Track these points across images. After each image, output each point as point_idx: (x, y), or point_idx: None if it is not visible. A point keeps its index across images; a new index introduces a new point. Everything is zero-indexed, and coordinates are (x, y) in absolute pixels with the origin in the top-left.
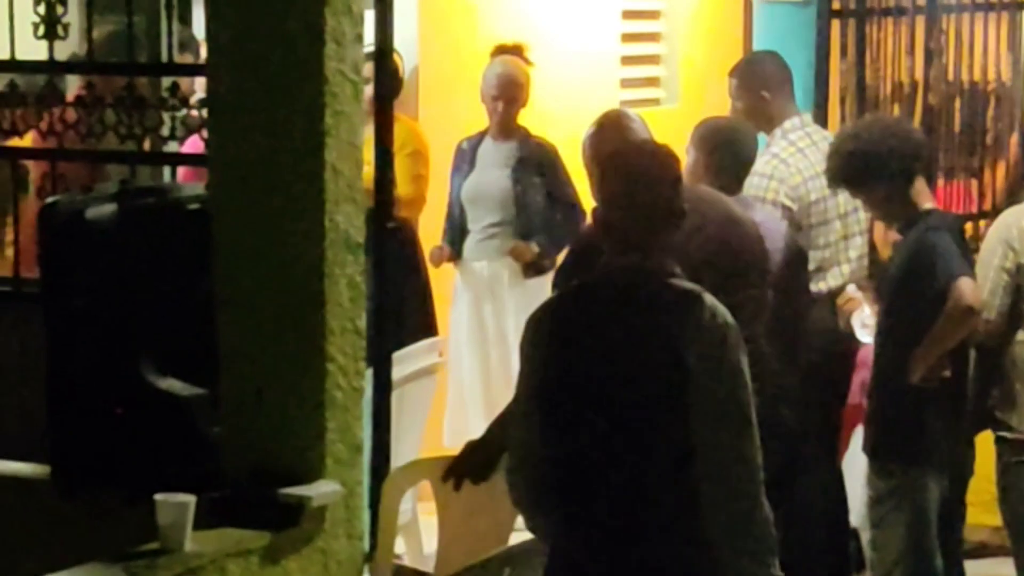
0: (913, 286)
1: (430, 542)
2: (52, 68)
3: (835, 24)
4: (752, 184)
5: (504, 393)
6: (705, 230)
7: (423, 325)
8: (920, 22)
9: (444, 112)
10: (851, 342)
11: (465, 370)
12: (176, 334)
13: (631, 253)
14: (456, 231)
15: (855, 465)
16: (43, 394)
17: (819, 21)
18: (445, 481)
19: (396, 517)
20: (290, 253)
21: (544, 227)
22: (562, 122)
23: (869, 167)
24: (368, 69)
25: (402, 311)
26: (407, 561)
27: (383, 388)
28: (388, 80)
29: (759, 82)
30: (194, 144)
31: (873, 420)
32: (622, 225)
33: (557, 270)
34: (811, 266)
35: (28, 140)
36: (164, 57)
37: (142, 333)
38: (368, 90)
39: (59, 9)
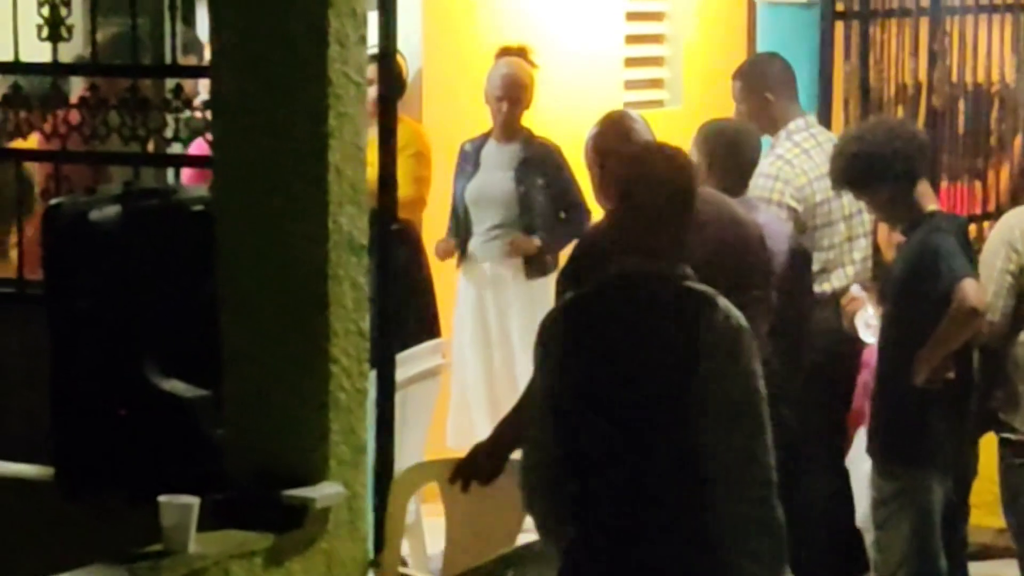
0: (917, 288)
1: (433, 543)
2: (56, 70)
3: (839, 26)
4: (757, 185)
5: (508, 394)
6: (707, 232)
7: (426, 327)
8: (924, 24)
9: (448, 114)
10: (855, 343)
11: (469, 371)
12: (180, 335)
13: (645, 256)
14: (461, 231)
15: (858, 466)
16: (47, 396)
17: (823, 23)
18: (453, 483)
19: (404, 520)
20: (293, 255)
21: (547, 227)
22: (566, 124)
23: (873, 169)
24: (372, 71)
25: (405, 313)
26: (411, 563)
27: (387, 390)
28: (392, 82)
29: (763, 84)
30: (199, 146)
31: (877, 422)
32: (636, 228)
33: (561, 271)
34: (815, 267)
35: (33, 142)
36: (168, 59)
37: (146, 334)
38: (372, 92)
39: (63, 11)
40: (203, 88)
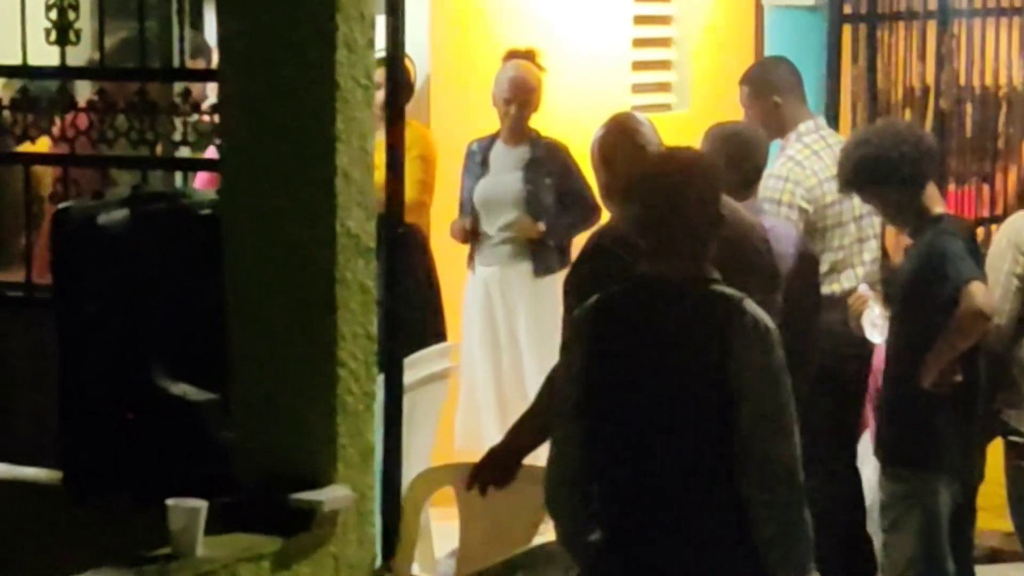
0: (924, 291)
1: (441, 547)
2: (64, 74)
3: (846, 29)
4: (768, 186)
5: (516, 396)
6: None
7: (433, 330)
8: (931, 27)
9: (456, 117)
10: (864, 345)
11: (478, 374)
12: (187, 339)
13: (672, 259)
14: (469, 228)
15: (860, 469)
16: (55, 399)
17: (830, 26)
18: (469, 488)
19: (418, 524)
20: (301, 258)
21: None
22: (573, 127)
23: (880, 172)
24: (379, 75)
25: (412, 316)
26: (419, 566)
27: (394, 393)
28: (399, 86)
29: (771, 88)
30: (214, 151)
31: (885, 425)
32: (663, 231)
33: (568, 273)
34: (824, 268)
35: (45, 145)
36: (176, 63)
37: (154, 338)
38: (379, 96)
39: (71, 15)
40: (211, 92)
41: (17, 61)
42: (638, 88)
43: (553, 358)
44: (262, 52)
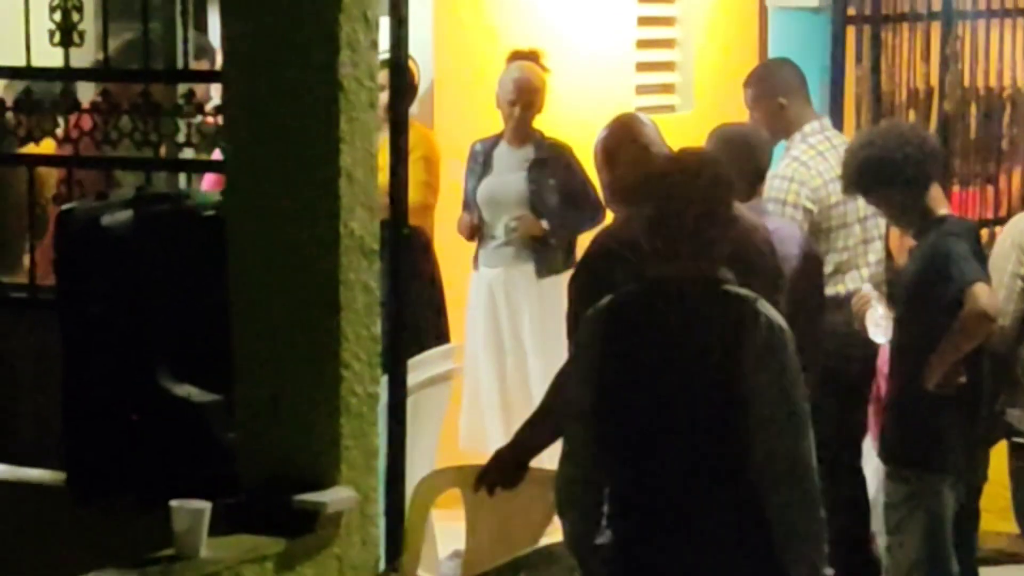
0: (928, 292)
1: (444, 547)
2: (68, 75)
3: (850, 30)
4: (773, 187)
5: (520, 397)
6: None
7: (437, 332)
8: (935, 28)
9: (460, 118)
10: (869, 346)
11: (481, 376)
12: (191, 340)
13: (685, 260)
14: (474, 224)
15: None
16: (59, 400)
17: (834, 27)
18: (477, 490)
19: (424, 526)
20: (305, 259)
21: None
22: (577, 128)
23: (884, 174)
24: (383, 76)
25: (416, 318)
26: (422, 566)
27: (398, 394)
28: (403, 87)
29: (775, 89)
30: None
31: (889, 426)
32: (677, 233)
33: (573, 275)
34: (829, 268)
35: (51, 147)
36: (180, 64)
37: (158, 339)
38: (383, 97)
39: (75, 16)
40: (215, 93)
41: (21, 62)
42: (642, 89)
43: (557, 359)
44: (266, 53)
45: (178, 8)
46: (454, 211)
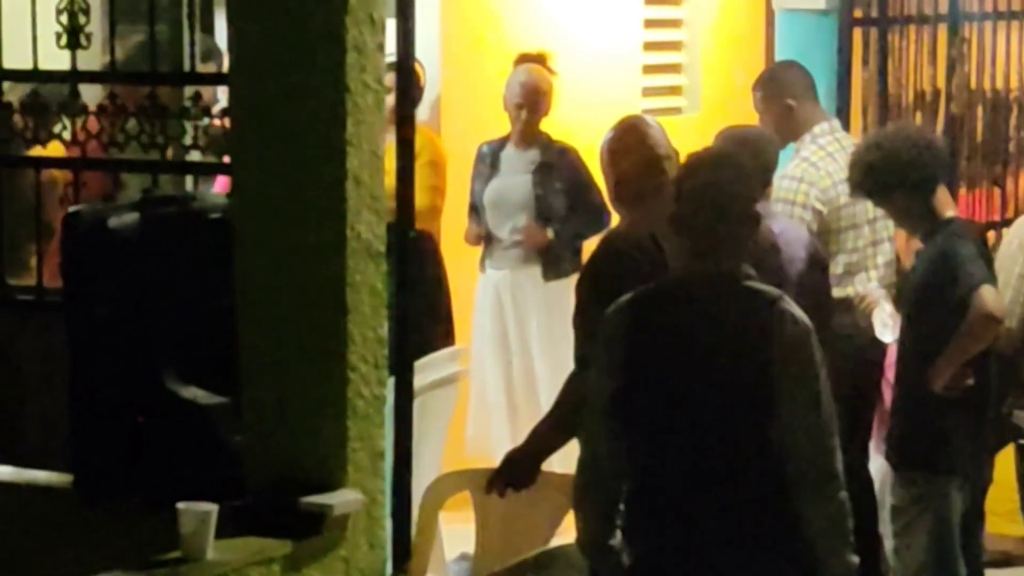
0: (935, 294)
1: (451, 550)
2: (74, 78)
3: (857, 33)
4: (782, 187)
5: (527, 400)
6: None
7: (443, 334)
8: (942, 30)
9: (466, 121)
10: (877, 348)
11: (488, 378)
12: (198, 342)
13: (711, 257)
14: (481, 229)
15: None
16: (66, 402)
17: (841, 30)
18: (490, 491)
19: (434, 529)
20: (312, 261)
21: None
22: (584, 130)
23: (891, 177)
24: (390, 78)
25: (423, 320)
26: (430, 570)
27: (405, 396)
28: (409, 89)
29: (783, 91)
30: None
31: (896, 429)
32: (705, 230)
33: (580, 276)
34: (839, 270)
35: (58, 150)
36: (187, 67)
37: (164, 342)
38: (389, 100)
39: (81, 19)
40: (222, 95)
41: (28, 65)
42: (648, 91)
43: (564, 362)
44: (272, 56)
45: (185, 11)
46: (461, 214)
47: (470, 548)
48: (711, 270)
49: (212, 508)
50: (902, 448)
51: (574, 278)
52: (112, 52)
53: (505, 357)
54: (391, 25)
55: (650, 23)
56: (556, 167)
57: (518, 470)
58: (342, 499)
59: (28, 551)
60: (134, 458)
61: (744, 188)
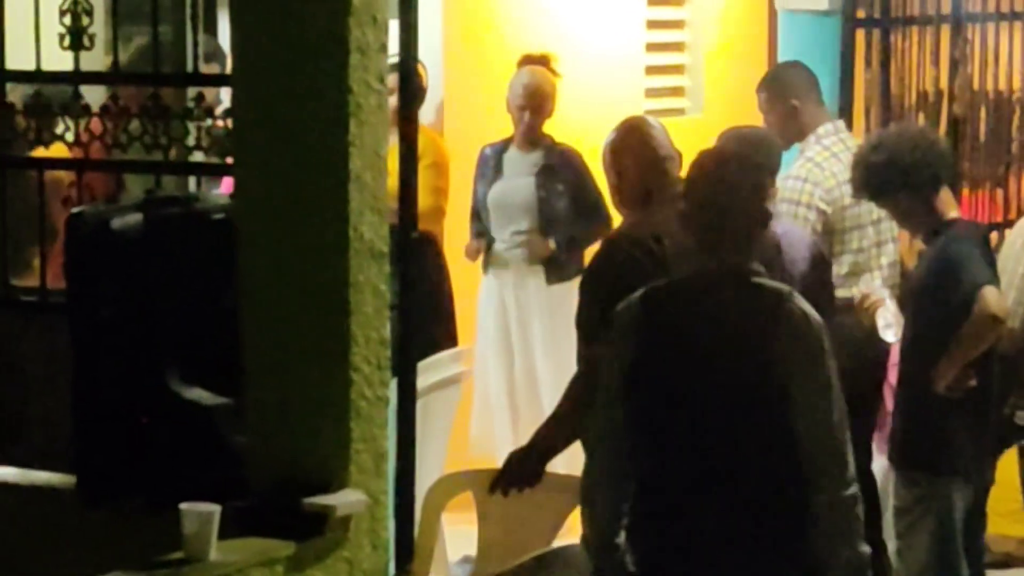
0: (938, 295)
1: (454, 552)
2: (78, 79)
3: (859, 33)
4: (787, 187)
5: (529, 401)
6: None
7: (446, 335)
8: (945, 31)
9: (469, 122)
10: (881, 348)
11: (491, 378)
12: (201, 343)
13: (721, 253)
14: (483, 228)
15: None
16: (69, 403)
17: (843, 30)
18: (493, 492)
19: (437, 530)
20: (315, 262)
21: (566, 233)
22: (587, 131)
23: (893, 178)
24: (392, 79)
25: (425, 321)
26: (433, 571)
27: (408, 397)
28: (412, 90)
29: (788, 91)
30: None
31: (899, 429)
32: (717, 226)
33: (584, 276)
34: (844, 270)
35: (61, 151)
36: (190, 67)
37: (167, 342)
38: (392, 101)
39: (84, 20)
40: (225, 96)
41: (31, 66)
42: (651, 92)
43: (567, 362)
44: (275, 57)
45: (188, 12)
46: (464, 215)
47: (473, 550)
48: (721, 267)
49: (215, 509)
50: (904, 449)
51: (577, 280)
52: (115, 53)
53: (507, 357)
54: (394, 26)
55: (652, 24)
56: (559, 170)
57: (521, 470)
58: (345, 500)
59: (31, 552)
60: (137, 459)
61: (754, 185)
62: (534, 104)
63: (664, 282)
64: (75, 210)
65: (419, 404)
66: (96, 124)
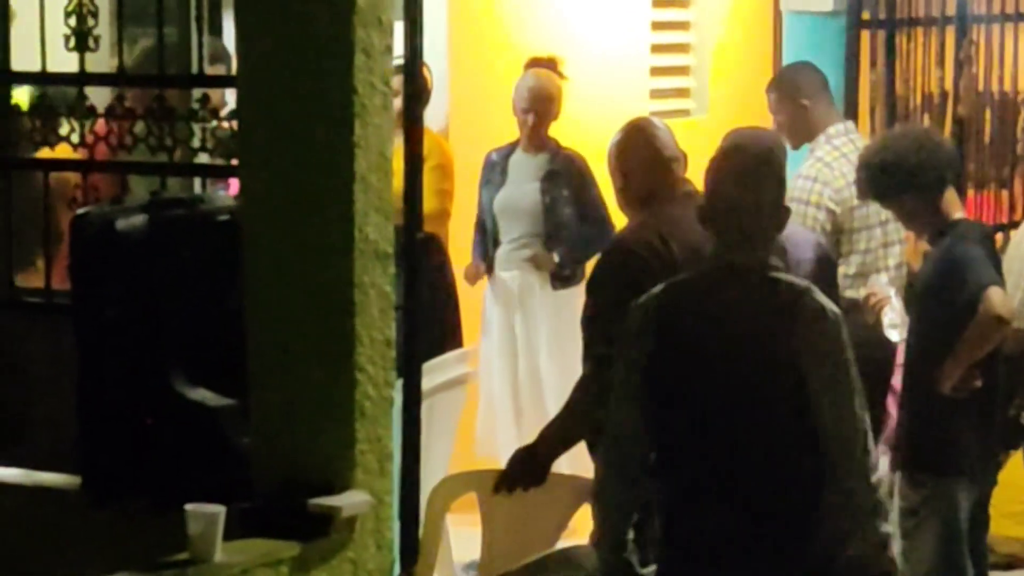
0: (943, 296)
1: (459, 553)
2: (82, 80)
3: (864, 35)
4: (796, 186)
5: (533, 403)
6: None
7: (451, 336)
8: (950, 32)
9: (474, 124)
10: (887, 349)
11: (495, 380)
12: (206, 344)
13: (741, 248)
14: (487, 243)
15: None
16: (74, 404)
17: (848, 31)
18: (498, 491)
19: (440, 530)
20: (320, 263)
21: (571, 239)
22: (592, 133)
23: (899, 179)
24: (397, 81)
25: (430, 321)
26: (437, 572)
27: (413, 398)
28: (417, 91)
29: (798, 91)
30: None
31: (904, 430)
32: (739, 221)
33: (593, 271)
34: (852, 270)
35: (68, 152)
36: (195, 69)
37: (172, 344)
38: (397, 102)
39: (90, 21)
40: (230, 98)
41: (36, 68)
42: (656, 94)
43: (571, 363)
44: (280, 58)
45: (193, 13)
46: (469, 217)
47: (477, 551)
48: (740, 261)
49: (220, 510)
50: (910, 449)
51: (582, 284)
52: (120, 55)
53: (512, 358)
54: (399, 27)
55: (658, 25)
56: (564, 175)
57: (525, 469)
58: (350, 501)
59: (36, 553)
60: (142, 460)
61: (772, 181)
62: (539, 107)
63: (682, 278)
64: (80, 211)
65: (424, 405)
66: (101, 125)
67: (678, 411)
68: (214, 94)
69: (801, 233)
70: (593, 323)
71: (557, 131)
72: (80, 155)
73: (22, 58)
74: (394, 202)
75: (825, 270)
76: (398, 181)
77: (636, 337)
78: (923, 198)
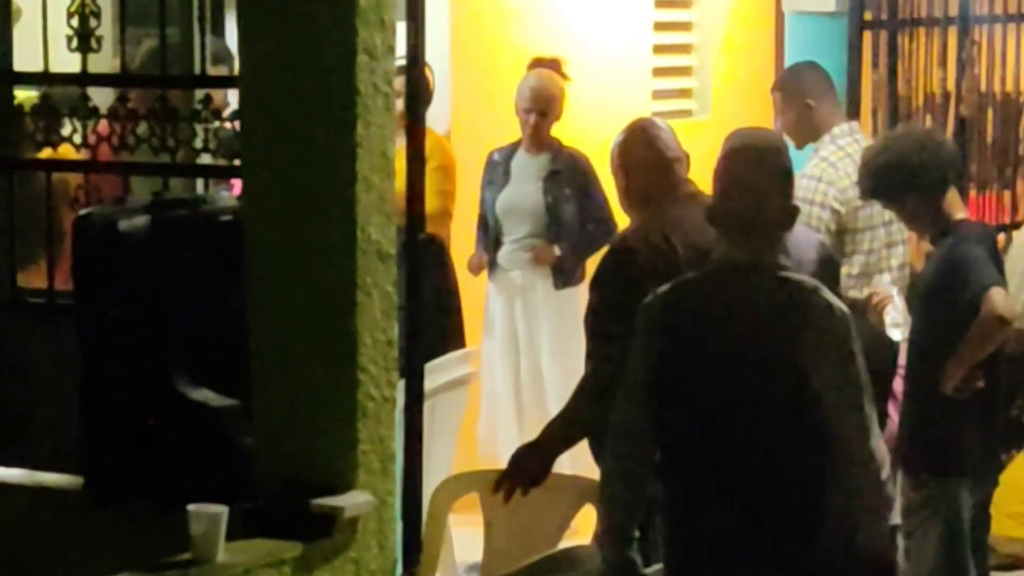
0: (945, 296)
1: (461, 553)
2: (85, 81)
3: (867, 35)
4: (801, 186)
5: (535, 403)
6: None
7: (453, 337)
8: (952, 33)
9: (476, 125)
10: (890, 349)
11: (498, 380)
12: (209, 345)
13: (750, 247)
14: (490, 242)
15: None
16: (77, 405)
17: (850, 32)
18: (498, 490)
19: (443, 531)
20: (322, 264)
21: (573, 238)
22: (594, 133)
23: (901, 179)
24: (399, 82)
25: (432, 322)
26: (440, 572)
27: (415, 399)
28: (419, 92)
29: (802, 91)
30: None
31: (906, 431)
32: (747, 219)
33: (596, 270)
34: (855, 271)
35: (70, 153)
36: (198, 69)
37: (175, 344)
38: (399, 103)
39: (92, 22)
40: (233, 98)
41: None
42: (659, 94)
43: (573, 363)
44: (283, 58)
45: (195, 13)
46: (471, 217)
47: (480, 552)
48: (749, 259)
49: (222, 510)
50: (912, 450)
51: (584, 284)
52: (123, 55)
53: (514, 359)
54: (401, 28)
55: (660, 26)
56: (566, 175)
57: (527, 468)
58: (352, 501)
59: (38, 553)
60: (145, 460)
61: (780, 181)
62: (540, 108)
63: (689, 277)
64: (83, 212)
65: (426, 405)
66: (104, 126)
67: (683, 410)
68: (217, 95)
69: (804, 233)
70: (595, 322)
71: (560, 132)
72: (83, 156)
73: (25, 59)
74: (396, 202)
75: (828, 270)
76: (400, 182)
77: (643, 336)
78: (925, 199)
